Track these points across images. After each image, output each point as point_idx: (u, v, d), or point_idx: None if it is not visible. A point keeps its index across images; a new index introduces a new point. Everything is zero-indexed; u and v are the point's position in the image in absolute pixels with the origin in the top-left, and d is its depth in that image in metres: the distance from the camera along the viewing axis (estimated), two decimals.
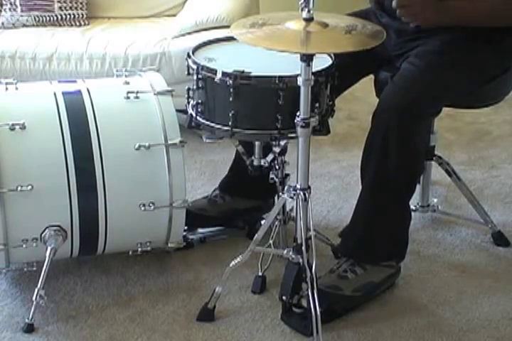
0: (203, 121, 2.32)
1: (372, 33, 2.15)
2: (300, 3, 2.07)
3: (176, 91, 2.46)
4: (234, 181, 2.78)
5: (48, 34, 3.57)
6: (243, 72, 2.21)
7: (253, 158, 2.44)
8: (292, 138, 2.26)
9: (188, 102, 2.38)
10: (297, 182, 2.25)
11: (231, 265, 2.36)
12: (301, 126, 2.16)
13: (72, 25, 3.72)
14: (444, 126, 3.54)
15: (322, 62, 2.27)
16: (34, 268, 2.41)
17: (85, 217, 2.34)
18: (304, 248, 2.24)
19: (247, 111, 2.25)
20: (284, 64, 2.20)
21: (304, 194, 2.24)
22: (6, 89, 2.41)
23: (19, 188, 2.25)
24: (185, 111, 2.41)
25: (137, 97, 2.41)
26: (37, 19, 3.68)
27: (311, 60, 2.08)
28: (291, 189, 2.27)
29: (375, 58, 2.51)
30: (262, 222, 2.41)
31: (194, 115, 2.35)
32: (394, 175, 2.36)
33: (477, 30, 2.39)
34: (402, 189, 2.43)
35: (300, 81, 2.11)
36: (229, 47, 2.43)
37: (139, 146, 2.34)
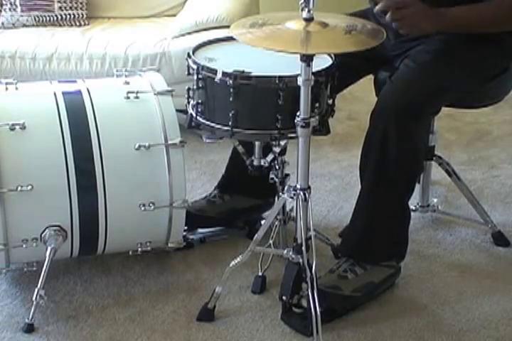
0: (203, 121, 2.32)
1: (372, 33, 2.15)
2: (300, 3, 2.07)
3: (176, 91, 2.46)
4: (232, 179, 2.78)
5: (48, 34, 3.57)
6: (243, 72, 2.21)
7: (253, 158, 2.44)
8: (292, 138, 2.26)
9: (188, 102, 2.38)
10: (297, 182, 2.25)
11: (231, 265, 2.36)
12: (301, 126, 2.16)
13: (72, 25, 3.72)
14: (444, 126, 3.54)
15: (322, 62, 2.27)
16: (34, 268, 2.41)
17: (85, 217, 2.34)
18: (304, 248, 2.24)
19: (247, 111, 2.25)
20: (284, 64, 2.20)
21: (304, 194, 2.24)
22: (6, 89, 2.41)
23: (19, 188, 2.25)
24: (185, 111, 2.41)
25: (137, 97, 2.41)
26: (37, 19, 3.68)
27: (311, 60, 2.08)
28: (291, 189, 2.27)
29: (375, 58, 2.51)
30: (262, 222, 2.41)
31: (194, 115, 2.35)
32: (393, 174, 2.36)
33: None
34: (402, 189, 2.43)
35: (300, 81, 2.11)
36: (229, 47, 2.43)
37: (139, 146, 2.34)
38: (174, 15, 3.77)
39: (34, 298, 2.30)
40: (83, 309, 2.41)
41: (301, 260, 2.25)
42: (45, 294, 2.31)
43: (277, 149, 2.39)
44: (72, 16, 3.72)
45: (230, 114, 2.24)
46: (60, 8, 3.70)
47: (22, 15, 3.68)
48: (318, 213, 2.90)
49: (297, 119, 2.17)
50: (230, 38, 2.39)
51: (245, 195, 2.74)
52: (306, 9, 2.07)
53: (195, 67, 2.29)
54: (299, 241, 2.27)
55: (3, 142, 2.27)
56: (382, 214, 2.43)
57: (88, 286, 2.51)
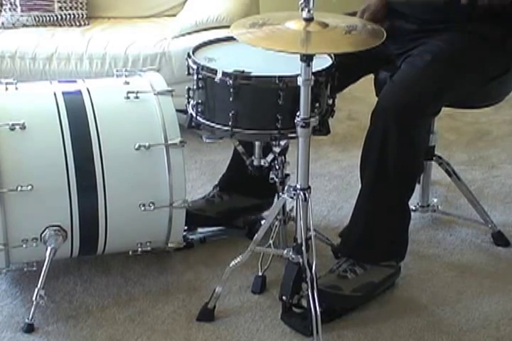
0: (203, 121, 2.32)
1: (372, 32, 2.15)
2: (300, 3, 2.06)
3: (176, 91, 2.46)
4: (233, 179, 2.78)
5: (48, 34, 3.57)
6: (243, 72, 2.21)
7: (253, 158, 2.44)
8: (292, 138, 2.26)
9: (188, 102, 2.38)
10: (297, 182, 2.25)
11: (231, 265, 2.36)
12: (301, 126, 2.16)
13: (72, 25, 3.72)
14: (444, 126, 3.54)
15: (322, 62, 2.27)
16: (34, 268, 2.41)
17: (85, 217, 2.34)
18: (303, 248, 2.24)
19: (247, 111, 2.25)
20: (284, 64, 2.20)
21: (304, 194, 2.24)
22: (6, 89, 2.41)
23: (19, 188, 2.25)
24: (185, 111, 2.41)
25: (137, 97, 2.41)
26: (37, 19, 3.68)
27: (311, 60, 2.08)
28: (291, 189, 2.27)
29: (375, 58, 2.51)
30: (262, 222, 2.41)
31: (194, 115, 2.35)
32: (393, 174, 2.36)
33: (478, 30, 2.39)
34: (402, 189, 2.43)
35: (300, 81, 2.11)
36: (229, 47, 2.43)
37: (139, 146, 2.34)
38: (174, 15, 3.77)
39: (34, 298, 2.30)
40: (83, 309, 2.41)
41: (301, 260, 2.25)
42: (45, 294, 2.31)
43: (277, 149, 2.39)
44: (72, 16, 3.72)
45: (230, 114, 2.24)
46: (60, 8, 3.70)
47: (22, 15, 3.68)
48: (318, 213, 2.90)
49: (297, 119, 2.17)
50: (230, 38, 2.39)
51: (244, 195, 2.74)
52: (306, 9, 2.07)
53: (195, 67, 2.29)
54: (299, 241, 2.27)
55: (3, 142, 2.27)
56: (382, 214, 2.43)
57: (88, 286, 2.51)
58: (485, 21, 2.41)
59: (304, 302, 2.25)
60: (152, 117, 2.39)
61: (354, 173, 3.18)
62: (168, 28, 3.59)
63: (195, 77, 2.29)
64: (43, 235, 2.32)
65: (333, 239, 2.63)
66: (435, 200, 2.93)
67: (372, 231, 2.44)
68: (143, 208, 2.36)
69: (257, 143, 2.41)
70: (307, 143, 2.19)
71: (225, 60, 2.32)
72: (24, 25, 3.68)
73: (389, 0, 2.52)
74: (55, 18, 3.70)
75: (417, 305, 2.45)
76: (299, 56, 2.08)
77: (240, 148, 2.48)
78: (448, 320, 2.38)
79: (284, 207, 2.46)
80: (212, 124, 2.30)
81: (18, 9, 3.68)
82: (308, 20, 2.08)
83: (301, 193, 2.24)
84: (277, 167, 2.43)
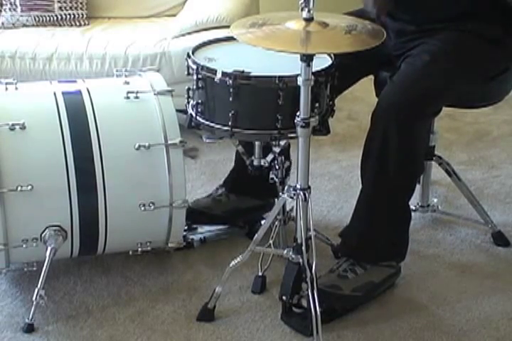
0: (203, 121, 2.32)
1: (372, 32, 2.15)
2: (300, 3, 2.06)
3: (176, 91, 2.46)
4: (238, 180, 2.78)
5: (48, 34, 3.57)
6: (243, 72, 2.21)
7: (253, 158, 2.44)
8: (292, 138, 2.26)
9: (188, 102, 2.38)
10: (297, 182, 2.25)
11: (231, 265, 2.36)
12: (301, 126, 2.16)
13: (72, 25, 3.72)
14: (444, 126, 3.54)
15: (322, 62, 2.27)
16: (34, 268, 2.41)
17: (85, 217, 2.34)
18: (303, 248, 2.24)
19: (246, 111, 2.25)
20: (284, 64, 2.20)
21: (304, 194, 2.24)
22: (6, 89, 2.41)
23: (19, 188, 2.25)
24: (185, 111, 2.41)
25: (137, 97, 2.41)
26: (37, 19, 3.68)
27: (311, 60, 2.08)
28: (291, 189, 2.27)
29: (375, 58, 2.51)
30: (262, 222, 2.41)
31: (194, 115, 2.35)
32: (394, 174, 2.36)
33: (477, 29, 2.39)
34: (402, 189, 2.43)
35: (300, 81, 2.11)
36: (229, 47, 2.43)
37: (139, 146, 2.34)
38: (174, 15, 3.77)
39: (34, 298, 2.30)
40: (83, 309, 2.41)
41: (301, 260, 2.25)
42: (45, 294, 2.31)
43: (277, 149, 2.39)
44: (72, 16, 3.72)
45: (230, 114, 2.24)
46: (60, 8, 3.70)
47: (22, 15, 3.68)
48: (318, 213, 2.89)
49: (297, 119, 2.17)
50: (230, 38, 2.39)
51: (251, 196, 2.74)
52: (306, 9, 2.07)
53: (194, 67, 2.29)
54: (299, 241, 2.27)
55: (3, 142, 2.27)
56: (382, 214, 2.43)
57: (88, 286, 2.51)
58: (484, 20, 2.41)
59: (304, 302, 2.25)
60: (152, 117, 2.39)
61: (354, 173, 3.18)
62: (168, 28, 3.59)
63: (195, 77, 2.29)
64: (43, 235, 2.32)
65: (333, 239, 2.63)
66: (435, 200, 2.93)
67: (373, 231, 2.44)
68: (143, 208, 2.36)
69: (256, 143, 2.41)
70: (307, 143, 2.19)
71: (224, 60, 2.32)
72: (24, 25, 3.68)
73: None
74: (55, 18, 3.70)
75: (417, 305, 2.45)
76: (298, 56, 2.08)
77: (240, 148, 2.48)
78: (448, 320, 2.38)
79: (284, 207, 2.46)
80: (212, 124, 2.30)
81: (18, 9, 3.68)
82: (308, 20, 2.08)
83: (301, 193, 2.24)
84: (277, 167, 2.43)
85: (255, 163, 2.45)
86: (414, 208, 2.81)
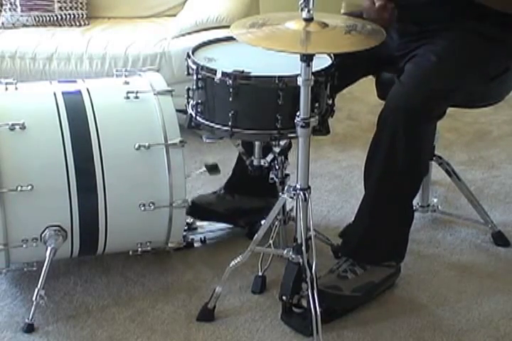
0: (203, 121, 2.32)
1: (372, 33, 2.14)
2: (300, 3, 2.06)
3: (176, 91, 2.46)
4: (240, 181, 2.77)
5: (48, 34, 3.58)
6: (243, 72, 2.21)
7: (253, 158, 2.44)
8: (292, 138, 2.26)
9: (188, 102, 2.38)
10: (297, 182, 2.25)
11: (231, 265, 2.36)
12: (301, 126, 2.16)
13: (72, 25, 3.72)
14: (444, 126, 3.53)
15: (322, 62, 2.27)
16: (34, 268, 2.41)
17: (85, 217, 2.34)
18: (303, 248, 2.24)
19: (246, 111, 2.25)
20: (284, 64, 2.20)
21: (304, 194, 2.24)
22: (6, 89, 2.41)
23: (19, 188, 2.25)
24: (185, 111, 2.41)
25: (137, 97, 2.41)
26: (37, 19, 3.68)
27: (311, 60, 2.08)
28: (291, 189, 2.27)
29: (376, 58, 2.50)
30: (262, 222, 2.41)
31: (194, 115, 2.35)
32: (400, 175, 2.35)
33: (478, 29, 2.39)
34: (407, 189, 2.43)
35: (300, 81, 2.11)
36: (229, 47, 2.43)
37: (139, 146, 2.34)
38: (174, 15, 3.77)
39: (34, 298, 2.30)
40: (83, 309, 2.41)
41: (301, 260, 2.25)
42: (45, 294, 2.31)
43: (277, 149, 2.39)
44: (72, 16, 3.72)
45: (230, 114, 2.24)
46: (60, 8, 3.70)
47: (22, 15, 3.68)
48: (318, 213, 2.89)
49: (297, 119, 2.17)
50: (230, 38, 2.39)
51: (255, 197, 2.73)
52: (306, 9, 2.07)
53: (194, 67, 2.29)
54: (299, 241, 2.27)
55: (3, 142, 2.27)
56: (386, 215, 2.42)
57: (88, 286, 2.51)
58: (485, 20, 2.41)
59: (304, 302, 2.25)
60: (152, 117, 2.39)
61: (354, 173, 3.18)
62: (168, 28, 3.60)
63: (194, 77, 2.29)
64: (43, 235, 2.32)
65: (333, 239, 2.63)
66: (435, 200, 2.93)
67: (375, 232, 2.44)
68: (143, 208, 2.36)
69: (256, 143, 2.41)
70: (307, 143, 2.19)
71: (224, 60, 2.32)
72: (24, 25, 3.68)
73: None
74: (55, 18, 3.70)
75: (417, 305, 2.45)
76: (298, 56, 2.08)
77: (240, 148, 2.48)
78: (448, 320, 2.38)
79: (284, 207, 2.46)
80: (212, 124, 2.30)
81: (18, 9, 3.68)
82: (308, 20, 2.08)
83: (301, 193, 2.24)
84: (277, 167, 2.43)
85: (255, 163, 2.45)
86: (414, 208, 2.80)
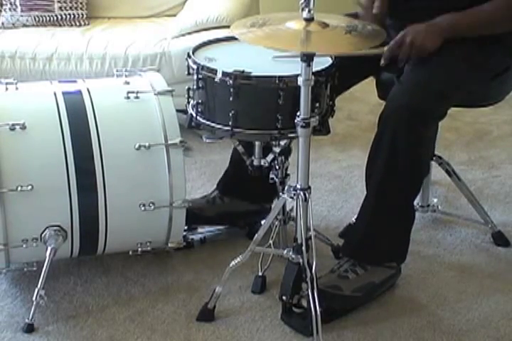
0: (203, 121, 2.32)
1: (372, 33, 2.14)
2: (300, 3, 2.06)
3: (176, 91, 2.46)
4: (232, 182, 2.77)
5: (48, 34, 3.58)
6: (243, 72, 2.21)
7: (253, 158, 2.44)
8: (292, 138, 2.26)
9: (188, 102, 2.38)
10: (297, 182, 2.25)
11: (231, 265, 2.36)
12: (302, 126, 2.16)
13: (72, 25, 3.72)
14: (444, 126, 3.51)
15: (322, 62, 2.27)
16: (34, 268, 2.41)
17: (85, 217, 2.34)
18: (304, 248, 2.24)
19: (247, 111, 2.25)
20: (284, 64, 2.20)
21: (304, 194, 2.24)
22: (6, 89, 2.41)
23: (19, 188, 2.25)
24: (185, 111, 2.41)
25: (137, 97, 2.41)
26: (37, 19, 3.68)
27: (312, 60, 2.08)
28: (291, 189, 2.27)
29: (376, 59, 2.50)
30: (262, 222, 2.41)
31: (194, 115, 2.35)
32: (401, 176, 2.35)
33: None
34: (408, 190, 2.42)
35: (300, 81, 2.11)
36: (229, 47, 2.43)
37: (139, 146, 2.34)
38: (174, 15, 3.77)
39: (34, 298, 2.30)
40: (83, 309, 2.41)
41: (301, 260, 2.24)
42: (45, 294, 2.31)
43: (277, 149, 2.39)
44: (72, 16, 3.72)
45: (230, 114, 2.24)
46: (60, 8, 3.70)
47: (22, 15, 3.68)
48: (318, 213, 2.89)
49: (297, 119, 2.17)
50: (230, 38, 2.39)
51: (245, 200, 2.74)
52: (307, 9, 2.07)
53: (195, 67, 2.29)
54: (299, 241, 2.27)
55: (3, 142, 2.27)
56: (388, 216, 2.42)
57: (88, 286, 2.51)
58: None
59: (304, 302, 2.25)
60: (152, 117, 2.39)
61: (354, 173, 3.18)
62: (168, 28, 3.60)
63: (195, 77, 2.29)
64: (43, 235, 2.32)
65: (333, 239, 2.63)
66: (435, 200, 2.93)
67: (376, 232, 2.44)
68: (143, 208, 2.36)
69: (257, 143, 2.41)
70: (307, 143, 2.19)
71: (225, 60, 2.32)
72: (24, 25, 3.68)
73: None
74: (55, 18, 3.70)
75: (417, 305, 2.45)
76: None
77: (240, 148, 2.48)
78: (448, 320, 2.38)
79: (284, 207, 2.46)
80: (213, 124, 2.30)
81: (18, 9, 3.68)
82: (309, 20, 2.08)
83: (301, 193, 2.24)
84: (277, 167, 2.43)
85: (255, 163, 2.44)
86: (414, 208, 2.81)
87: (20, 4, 3.67)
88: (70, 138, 2.31)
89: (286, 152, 2.45)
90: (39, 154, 2.30)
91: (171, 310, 2.41)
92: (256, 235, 2.34)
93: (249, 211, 2.73)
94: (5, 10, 3.69)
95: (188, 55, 2.34)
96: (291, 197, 2.28)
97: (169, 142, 2.36)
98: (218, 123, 2.29)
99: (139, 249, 2.48)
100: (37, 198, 2.28)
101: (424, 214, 2.89)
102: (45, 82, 2.55)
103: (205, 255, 2.67)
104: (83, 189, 2.31)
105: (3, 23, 3.67)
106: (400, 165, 2.34)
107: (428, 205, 2.87)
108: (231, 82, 2.19)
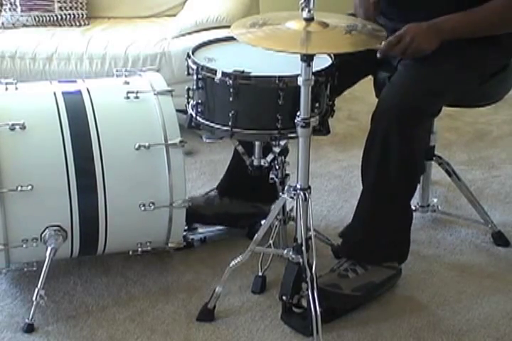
0: (203, 121, 2.32)
1: (372, 33, 2.15)
2: (300, 3, 2.06)
3: (176, 91, 2.46)
4: (232, 183, 2.77)
5: (48, 34, 3.57)
6: (243, 72, 2.21)
7: (253, 158, 2.44)
8: (292, 138, 2.26)
9: (188, 102, 2.38)
10: (297, 182, 2.25)
11: (231, 265, 2.36)
12: (301, 126, 2.16)
13: (72, 25, 3.72)
14: (444, 126, 3.54)
15: (322, 62, 2.27)
16: (34, 268, 2.41)
17: (85, 217, 2.34)
18: (304, 248, 2.24)
19: (247, 111, 2.25)
20: (284, 64, 2.20)
21: (304, 194, 2.24)
22: (6, 89, 2.41)
23: (19, 188, 2.25)
24: (185, 111, 2.41)
25: (137, 97, 2.41)
26: (37, 19, 3.68)
27: (312, 60, 2.08)
28: (291, 189, 2.27)
29: (375, 58, 2.50)
30: (262, 222, 2.41)
31: (194, 115, 2.35)
32: (394, 175, 2.36)
33: None
34: (403, 189, 2.43)
35: (300, 81, 2.11)
36: (229, 47, 2.43)
37: (139, 146, 2.34)
38: (174, 15, 3.77)
39: (34, 298, 2.30)
40: (83, 309, 2.41)
41: (301, 260, 2.25)
42: (45, 294, 2.31)
43: (277, 149, 2.39)
44: (72, 16, 3.72)
45: (230, 114, 2.24)
46: (60, 8, 3.70)
47: (22, 15, 3.68)
48: (318, 213, 2.90)
49: (297, 119, 2.17)
50: (230, 38, 2.39)
51: (244, 200, 2.73)
52: (307, 9, 2.07)
53: (194, 67, 2.29)
54: (299, 241, 2.27)
55: (3, 142, 2.27)
56: (383, 215, 2.43)
57: (88, 286, 2.51)
58: None
59: (304, 302, 2.25)
60: (152, 117, 2.39)
61: (354, 173, 3.18)
62: (168, 28, 3.59)
63: (195, 77, 2.29)
64: (43, 235, 2.32)
65: (333, 239, 2.63)
66: (435, 200, 2.93)
67: (374, 231, 2.44)
68: (143, 208, 2.36)
69: (257, 143, 2.41)
70: (307, 143, 2.19)
71: (224, 60, 2.32)
72: (24, 25, 3.68)
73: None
74: (55, 18, 3.70)
75: (417, 305, 2.45)
76: (299, 56, 2.08)
77: (240, 148, 2.48)
78: (448, 320, 2.38)
79: (284, 207, 2.46)
80: (212, 124, 2.30)
81: (18, 9, 3.68)
82: (309, 20, 2.08)
83: (301, 193, 2.24)
84: (277, 167, 2.43)
85: (255, 163, 2.44)
86: (414, 208, 2.81)
87: (20, 4, 3.67)
88: (70, 138, 2.31)
89: (284, 151, 2.45)
90: (39, 154, 2.30)
91: (171, 310, 2.41)
92: (256, 235, 2.34)
93: (248, 213, 2.73)
94: (5, 10, 3.69)
95: (188, 55, 2.34)
96: (291, 197, 2.28)
97: (169, 142, 2.36)
98: (218, 124, 2.29)
99: (139, 249, 2.48)
100: (37, 198, 2.28)
101: (424, 214, 2.89)
102: (45, 82, 2.55)
103: (205, 255, 2.67)
104: (83, 189, 2.31)
105: (3, 23, 3.67)
106: (392, 163, 2.34)
107: (428, 205, 2.88)
108: (231, 82, 2.19)
